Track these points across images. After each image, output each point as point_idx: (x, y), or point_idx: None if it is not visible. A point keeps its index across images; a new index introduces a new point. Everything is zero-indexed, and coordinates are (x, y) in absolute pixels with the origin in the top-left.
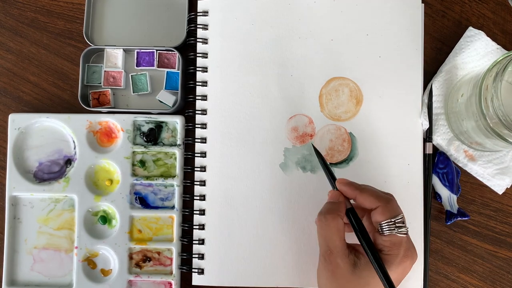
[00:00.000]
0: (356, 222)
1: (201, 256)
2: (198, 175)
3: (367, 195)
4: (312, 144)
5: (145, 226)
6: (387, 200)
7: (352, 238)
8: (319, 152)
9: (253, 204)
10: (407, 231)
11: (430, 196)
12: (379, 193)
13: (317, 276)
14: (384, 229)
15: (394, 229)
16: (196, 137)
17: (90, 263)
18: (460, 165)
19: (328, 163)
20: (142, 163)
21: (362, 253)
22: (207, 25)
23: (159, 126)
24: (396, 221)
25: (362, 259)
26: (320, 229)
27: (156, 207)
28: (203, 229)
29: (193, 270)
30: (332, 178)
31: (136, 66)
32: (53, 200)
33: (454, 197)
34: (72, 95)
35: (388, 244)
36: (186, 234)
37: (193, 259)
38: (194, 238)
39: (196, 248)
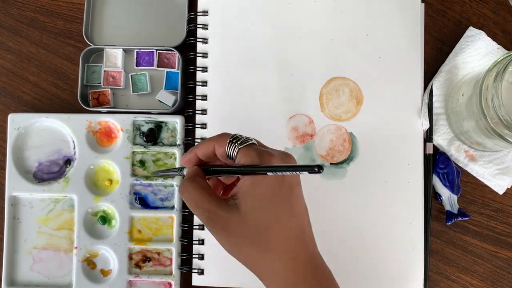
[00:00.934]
0: (210, 167)
1: (201, 256)
2: None
3: (201, 145)
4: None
5: (145, 226)
6: (218, 135)
7: None
8: (154, 172)
9: None
10: (253, 140)
11: (431, 196)
12: (209, 138)
13: (223, 248)
14: (232, 154)
15: (236, 145)
16: (196, 137)
17: (89, 263)
18: (460, 165)
19: (161, 172)
20: (142, 163)
21: (236, 192)
22: (207, 25)
23: (159, 126)
24: (232, 139)
25: (239, 195)
26: (186, 200)
27: (156, 207)
28: (203, 229)
29: (193, 270)
30: (176, 169)
31: (136, 66)
32: (53, 200)
33: (455, 197)
34: (71, 95)
35: (243, 160)
36: (186, 234)
37: (193, 259)
38: (194, 238)
39: (196, 248)
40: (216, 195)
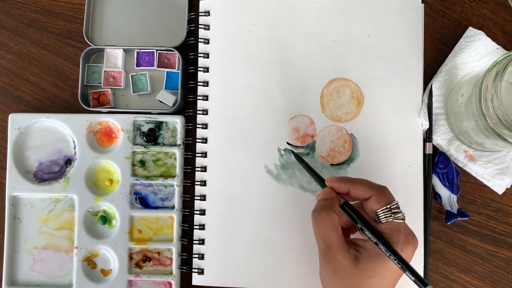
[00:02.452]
0: (354, 212)
1: (201, 256)
2: (198, 175)
3: (360, 186)
4: (292, 151)
5: (145, 226)
6: (380, 188)
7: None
8: (301, 158)
9: (254, 205)
10: (404, 217)
11: (430, 196)
12: (371, 183)
13: (320, 277)
14: (381, 217)
15: (390, 216)
16: (197, 137)
17: (90, 263)
18: (460, 165)
19: (311, 166)
20: (142, 163)
21: (362, 247)
22: (208, 25)
23: (159, 126)
24: (391, 207)
25: (363, 252)
26: (316, 227)
27: (156, 207)
28: (203, 229)
29: (193, 270)
30: (320, 179)
31: (136, 66)
32: (53, 200)
33: (454, 197)
34: (72, 95)
35: (387, 231)
36: (186, 234)
37: (193, 259)
38: (194, 238)
39: (196, 248)
40: (342, 236)
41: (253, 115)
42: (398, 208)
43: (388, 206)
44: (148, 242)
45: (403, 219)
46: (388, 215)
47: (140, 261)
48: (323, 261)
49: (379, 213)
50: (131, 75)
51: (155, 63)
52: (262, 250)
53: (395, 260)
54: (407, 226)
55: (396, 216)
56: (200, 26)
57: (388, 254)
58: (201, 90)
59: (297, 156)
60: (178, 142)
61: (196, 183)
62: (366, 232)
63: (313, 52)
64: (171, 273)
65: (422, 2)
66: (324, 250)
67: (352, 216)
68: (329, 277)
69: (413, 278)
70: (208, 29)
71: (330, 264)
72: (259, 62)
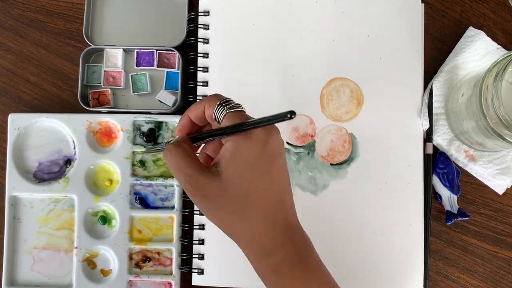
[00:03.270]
0: (200, 133)
1: (201, 256)
2: None
3: (193, 107)
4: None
5: (145, 226)
6: (209, 96)
7: None
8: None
9: None
10: (241, 108)
11: (431, 196)
12: (201, 101)
13: (204, 215)
14: (219, 117)
15: (224, 109)
16: None
17: (90, 263)
18: (460, 165)
19: (151, 148)
20: (142, 163)
21: (218, 160)
22: (208, 25)
23: (159, 126)
24: (222, 102)
25: (221, 162)
26: (169, 163)
27: (156, 207)
28: (203, 229)
29: (193, 270)
30: (163, 144)
31: (136, 66)
32: (53, 200)
33: (455, 197)
34: (72, 95)
35: (228, 124)
36: (186, 234)
37: (193, 259)
38: (194, 238)
39: (196, 248)
40: (200, 162)
41: (253, 114)
42: (231, 101)
43: (218, 103)
44: (148, 242)
45: (240, 110)
46: (221, 110)
47: (140, 261)
48: (191, 195)
49: (215, 115)
50: (131, 75)
51: (155, 63)
52: None
53: (252, 126)
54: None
55: (228, 107)
56: (199, 26)
57: (243, 129)
58: (200, 90)
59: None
60: None
61: None
62: (213, 132)
63: (312, 52)
64: (171, 273)
65: (422, 2)
66: (185, 182)
67: (195, 137)
68: (206, 207)
69: (279, 121)
70: (208, 29)
71: (199, 192)
72: (259, 61)
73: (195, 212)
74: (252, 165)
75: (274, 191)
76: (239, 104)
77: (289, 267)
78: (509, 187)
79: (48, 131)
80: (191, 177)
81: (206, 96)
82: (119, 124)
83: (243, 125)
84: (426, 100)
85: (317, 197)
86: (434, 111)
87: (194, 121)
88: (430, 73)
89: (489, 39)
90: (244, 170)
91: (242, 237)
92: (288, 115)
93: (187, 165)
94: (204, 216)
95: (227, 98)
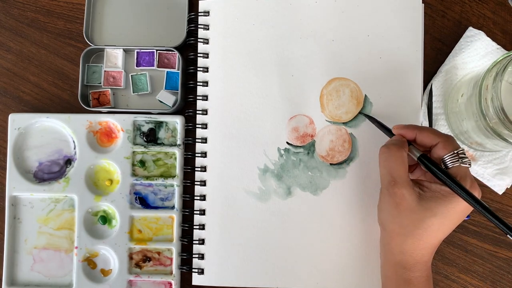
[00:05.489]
0: (430, 162)
1: (201, 256)
2: (198, 175)
3: (427, 132)
4: (362, 113)
5: (145, 226)
6: (446, 135)
7: None
8: (369, 115)
9: (254, 204)
10: (470, 163)
11: None
12: (437, 130)
13: (379, 212)
14: (448, 163)
15: (458, 161)
16: (196, 137)
17: (90, 263)
18: None
19: (380, 121)
20: (142, 163)
21: (427, 187)
22: (208, 25)
23: (159, 126)
24: (458, 152)
25: (428, 192)
26: (383, 160)
27: (156, 207)
28: (203, 229)
29: (193, 270)
30: (387, 129)
31: (136, 66)
32: (53, 200)
33: None
34: (72, 95)
35: (458, 177)
36: (186, 234)
37: (193, 259)
38: (194, 238)
39: (196, 248)
40: (408, 173)
41: (253, 114)
42: (464, 154)
43: (455, 152)
44: (148, 242)
45: (470, 165)
46: (455, 160)
47: (140, 261)
48: (387, 195)
49: (446, 158)
50: (131, 75)
51: (155, 63)
52: (262, 249)
53: (471, 200)
54: (471, 174)
55: (463, 161)
56: (199, 26)
57: (462, 195)
58: (200, 90)
59: (366, 116)
60: (178, 142)
61: (196, 183)
62: (442, 178)
63: (312, 52)
64: (171, 273)
65: (422, 2)
66: (389, 184)
67: (427, 164)
68: (390, 211)
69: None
70: (208, 29)
71: (393, 198)
72: (259, 61)
73: (195, 212)
74: (449, 216)
75: (441, 237)
76: (470, 160)
77: (420, 283)
78: (508, 187)
79: (48, 131)
80: (396, 184)
81: (206, 99)
82: (119, 124)
83: (469, 194)
84: (426, 100)
85: (317, 197)
86: (434, 111)
87: (417, 141)
88: (429, 73)
89: (488, 39)
90: (441, 214)
91: (393, 246)
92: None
93: (399, 173)
94: (204, 216)
95: (463, 149)
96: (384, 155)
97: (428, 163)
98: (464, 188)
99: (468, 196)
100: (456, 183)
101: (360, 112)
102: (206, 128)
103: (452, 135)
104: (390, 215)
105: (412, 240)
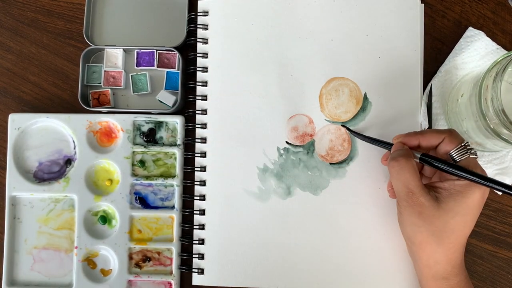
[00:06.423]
0: (434, 158)
1: (201, 256)
2: (198, 175)
3: (429, 133)
4: (346, 127)
5: (145, 226)
6: (450, 130)
7: None
8: (357, 132)
9: (253, 204)
10: (477, 154)
11: None
12: (438, 129)
13: (401, 226)
14: (456, 156)
15: (466, 153)
16: (196, 137)
17: (90, 263)
18: None
19: (372, 137)
20: (142, 163)
21: (440, 187)
22: (207, 25)
23: (159, 126)
24: (465, 144)
25: (443, 192)
26: (395, 174)
27: (156, 207)
28: (203, 229)
29: (193, 270)
30: (386, 143)
31: (136, 66)
32: (53, 200)
33: None
34: (72, 95)
35: (470, 168)
36: (186, 234)
37: (193, 259)
38: (194, 238)
39: (196, 248)
40: (421, 180)
41: (252, 114)
42: (470, 145)
43: (462, 144)
44: (148, 242)
45: (477, 156)
46: (463, 152)
47: (140, 261)
48: (406, 206)
49: (453, 153)
50: (131, 75)
51: (155, 63)
52: (262, 249)
53: (489, 183)
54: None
55: (471, 152)
56: (198, 26)
57: (483, 182)
58: (200, 90)
59: (353, 132)
60: (178, 142)
61: (195, 183)
62: (454, 171)
63: (311, 51)
64: (171, 273)
65: (422, 2)
66: (406, 196)
67: (433, 163)
68: (414, 222)
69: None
70: (207, 29)
71: (414, 208)
72: (258, 61)
73: (195, 212)
74: (469, 211)
75: (468, 233)
76: (476, 151)
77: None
78: None
79: (48, 131)
80: (414, 194)
81: (205, 98)
82: (119, 124)
83: (484, 178)
84: (426, 100)
85: (317, 197)
86: (434, 111)
87: (422, 146)
88: (429, 73)
89: (488, 39)
90: (462, 211)
91: (426, 258)
92: None
93: (414, 183)
94: (204, 216)
95: (467, 142)
96: (395, 168)
97: (441, 163)
98: (480, 175)
99: (488, 182)
100: (472, 173)
101: (351, 131)
102: (205, 128)
103: None
104: (415, 226)
105: (442, 247)
